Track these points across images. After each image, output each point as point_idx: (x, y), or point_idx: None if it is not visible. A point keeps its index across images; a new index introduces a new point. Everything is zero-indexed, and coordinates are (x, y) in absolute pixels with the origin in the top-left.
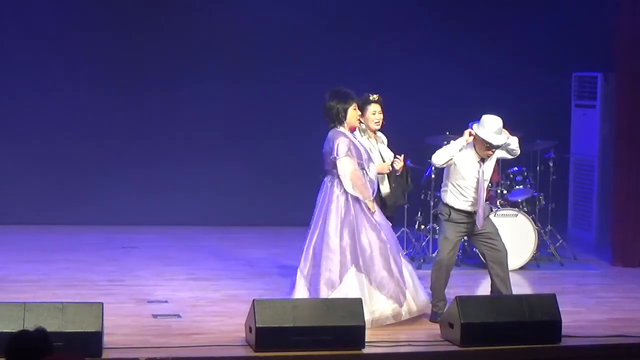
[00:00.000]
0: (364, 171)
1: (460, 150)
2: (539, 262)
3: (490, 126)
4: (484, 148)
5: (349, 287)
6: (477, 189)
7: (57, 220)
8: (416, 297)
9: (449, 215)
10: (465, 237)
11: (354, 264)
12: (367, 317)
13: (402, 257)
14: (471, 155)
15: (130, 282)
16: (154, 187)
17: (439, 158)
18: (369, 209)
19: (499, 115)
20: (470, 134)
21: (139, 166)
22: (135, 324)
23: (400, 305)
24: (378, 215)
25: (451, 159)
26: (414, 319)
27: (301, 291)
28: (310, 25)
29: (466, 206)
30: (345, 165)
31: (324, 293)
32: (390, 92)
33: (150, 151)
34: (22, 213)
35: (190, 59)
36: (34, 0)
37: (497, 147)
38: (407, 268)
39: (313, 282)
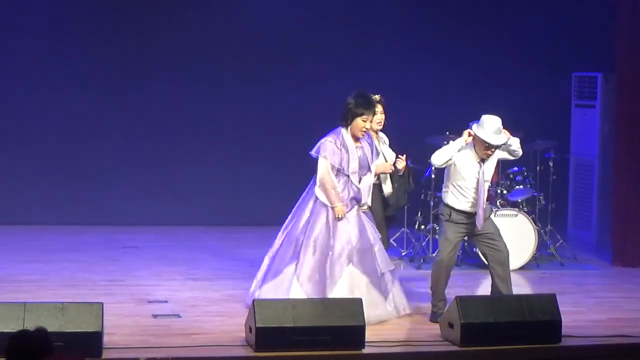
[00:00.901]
0: (347, 178)
1: (459, 151)
2: (539, 262)
3: (489, 126)
4: (483, 148)
5: (284, 281)
6: (477, 190)
7: (57, 220)
8: None
9: (450, 215)
10: (466, 237)
11: (296, 260)
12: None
13: (353, 267)
14: (471, 156)
15: (130, 282)
16: (154, 187)
17: (438, 158)
18: (334, 214)
19: (499, 115)
20: (470, 134)
21: (139, 166)
22: (135, 324)
23: None
24: (353, 219)
25: (451, 159)
26: (415, 319)
27: (260, 275)
28: (311, 25)
29: (466, 207)
30: (319, 166)
31: (268, 280)
32: (391, 92)
33: (150, 151)
34: (22, 213)
35: (191, 59)
36: (31, 1)
37: (496, 147)
38: (353, 280)
39: (268, 265)
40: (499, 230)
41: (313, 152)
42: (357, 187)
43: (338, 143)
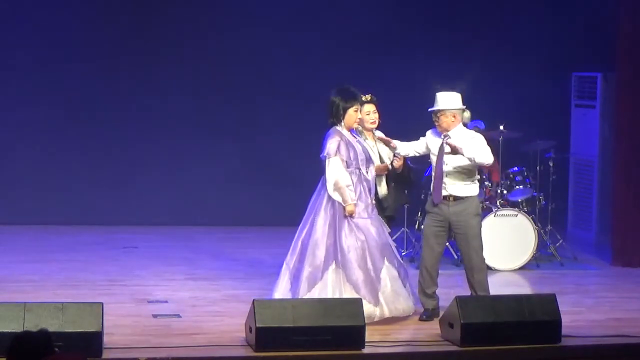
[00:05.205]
0: (359, 170)
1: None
2: (539, 262)
3: (438, 98)
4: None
5: (327, 284)
6: (437, 164)
7: (57, 220)
8: (392, 303)
9: (426, 204)
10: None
11: (334, 260)
12: None
13: (387, 262)
14: (436, 136)
15: (130, 282)
16: (154, 187)
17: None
18: (345, 212)
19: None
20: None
21: (139, 166)
22: (135, 324)
23: (375, 306)
24: (366, 217)
25: (420, 149)
26: (414, 319)
27: (284, 284)
28: (308, 23)
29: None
30: (331, 166)
31: (304, 288)
32: (390, 91)
33: (151, 151)
34: (22, 213)
35: (192, 60)
36: (26, 2)
37: (440, 110)
38: (389, 273)
39: (296, 275)
40: (478, 233)
41: (325, 153)
42: (367, 179)
43: (344, 139)
